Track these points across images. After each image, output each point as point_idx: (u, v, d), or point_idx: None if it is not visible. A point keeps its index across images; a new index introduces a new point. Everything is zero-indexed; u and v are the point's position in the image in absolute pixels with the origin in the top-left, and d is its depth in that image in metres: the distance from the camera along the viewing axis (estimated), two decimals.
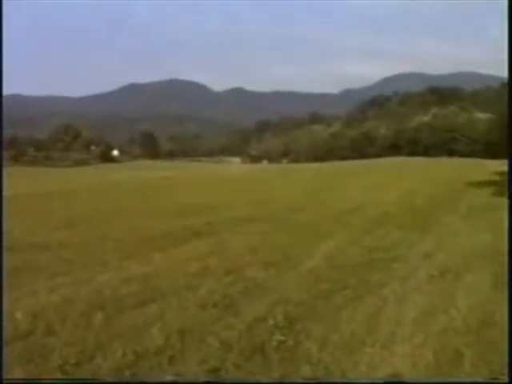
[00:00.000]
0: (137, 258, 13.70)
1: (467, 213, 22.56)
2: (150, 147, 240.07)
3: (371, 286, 10.53)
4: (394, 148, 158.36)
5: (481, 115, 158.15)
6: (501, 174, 50.30)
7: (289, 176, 67.29)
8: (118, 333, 7.98)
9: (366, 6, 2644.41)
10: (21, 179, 52.98)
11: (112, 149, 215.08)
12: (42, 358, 7.03)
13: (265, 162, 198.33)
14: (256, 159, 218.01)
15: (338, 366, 6.80)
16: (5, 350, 7.03)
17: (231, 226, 19.60)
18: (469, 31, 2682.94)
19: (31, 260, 13.25)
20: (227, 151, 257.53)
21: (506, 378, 6.05)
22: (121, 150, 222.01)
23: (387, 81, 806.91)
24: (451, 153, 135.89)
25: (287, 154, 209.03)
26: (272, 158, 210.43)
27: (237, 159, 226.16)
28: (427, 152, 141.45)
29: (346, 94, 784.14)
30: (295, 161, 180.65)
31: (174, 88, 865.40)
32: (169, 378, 6.53)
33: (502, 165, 55.48)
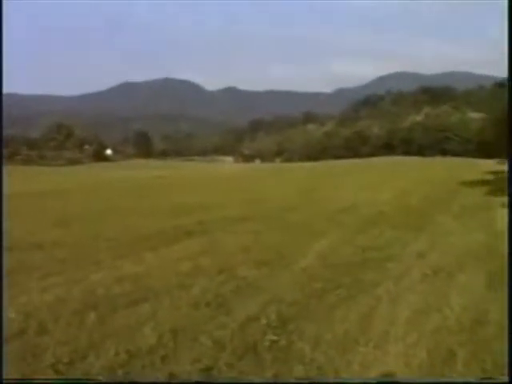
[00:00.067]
0: (130, 258, 13.68)
1: (460, 212, 22.61)
2: (143, 146, 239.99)
3: (364, 286, 10.53)
4: (387, 147, 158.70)
5: (473, 115, 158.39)
6: (493, 173, 50.61)
7: (282, 175, 67.41)
8: (110, 332, 7.96)
9: (361, 5, 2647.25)
10: (14, 178, 52.83)
11: (105, 148, 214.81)
12: (35, 357, 7.01)
13: (257, 162, 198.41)
14: (249, 158, 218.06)
15: (331, 365, 6.79)
16: None
17: (224, 225, 19.59)
18: (463, 31, 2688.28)
19: (25, 259, 13.22)
20: (220, 150, 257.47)
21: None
22: (114, 149, 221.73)
23: (380, 80, 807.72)
24: (444, 152, 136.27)
25: (280, 153, 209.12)
26: (265, 157, 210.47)
27: (230, 158, 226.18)
28: (420, 151, 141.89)
29: (340, 93, 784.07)
30: (288, 160, 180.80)
31: (167, 87, 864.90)
32: (161, 377, 6.51)
33: (495, 164, 55.72)
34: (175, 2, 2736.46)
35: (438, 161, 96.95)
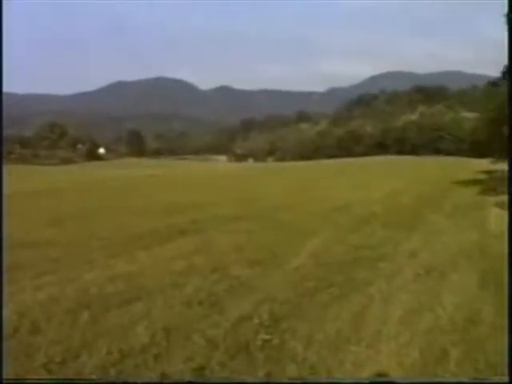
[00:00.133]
0: (123, 257, 13.68)
1: (453, 211, 22.67)
2: (136, 145, 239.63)
3: (357, 285, 10.54)
4: (380, 147, 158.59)
5: (467, 114, 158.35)
6: (486, 172, 50.72)
7: (274, 174, 67.36)
8: (103, 331, 7.97)
9: (355, 5, 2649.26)
10: (7, 177, 52.55)
11: (98, 147, 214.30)
12: (27, 357, 7.01)
13: (250, 161, 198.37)
14: (242, 158, 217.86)
15: (324, 364, 6.80)
16: None
17: (217, 224, 19.61)
18: (457, 31, 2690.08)
19: (17, 258, 13.19)
20: (213, 150, 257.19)
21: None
22: (107, 148, 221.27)
23: (374, 79, 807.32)
24: (438, 151, 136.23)
25: (273, 153, 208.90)
26: (258, 156, 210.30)
27: (223, 157, 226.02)
28: (414, 151, 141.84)
29: (333, 92, 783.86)
30: (281, 159, 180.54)
31: (160, 86, 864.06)
32: (154, 376, 6.51)
33: (488, 164, 55.76)
34: (168, 1, 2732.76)
35: (432, 160, 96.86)
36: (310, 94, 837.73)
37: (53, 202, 30.21)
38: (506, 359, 6.72)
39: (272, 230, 18.07)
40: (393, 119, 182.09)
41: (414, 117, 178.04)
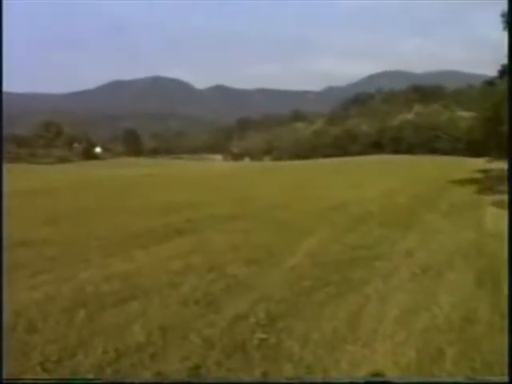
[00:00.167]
0: (119, 256, 13.68)
1: (449, 211, 22.68)
2: (132, 144, 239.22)
3: (353, 284, 10.55)
4: (376, 146, 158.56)
5: (463, 113, 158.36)
6: (482, 171, 50.79)
7: (271, 173, 67.34)
8: (100, 330, 7.97)
9: (352, 4, 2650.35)
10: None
11: (94, 146, 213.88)
12: (24, 355, 7.01)
13: (247, 160, 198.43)
14: (238, 157, 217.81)
15: (320, 364, 6.80)
16: None
17: (213, 223, 19.60)
18: (453, 30, 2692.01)
19: (15, 257, 13.17)
20: (210, 149, 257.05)
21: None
22: (103, 148, 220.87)
23: (370, 79, 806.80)
24: (434, 151, 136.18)
25: (269, 152, 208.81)
26: (254, 155, 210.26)
27: (219, 157, 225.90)
28: (410, 150, 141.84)
29: (329, 91, 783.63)
30: (277, 158, 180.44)
31: (157, 85, 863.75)
32: (150, 375, 6.51)
33: (484, 163, 55.80)
34: (166, 1, 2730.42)
35: (428, 159, 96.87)
36: (307, 92, 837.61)
37: (49, 201, 30.16)
38: (501, 358, 6.76)
39: (268, 230, 18.07)
40: (389, 118, 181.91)
41: (410, 116, 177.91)
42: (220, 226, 19.00)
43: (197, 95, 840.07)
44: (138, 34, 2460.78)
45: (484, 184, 37.19)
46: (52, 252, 14.17)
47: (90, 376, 6.49)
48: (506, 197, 25.77)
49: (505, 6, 35.36)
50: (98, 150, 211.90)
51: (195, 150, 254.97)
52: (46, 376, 6.50)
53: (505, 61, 39.58)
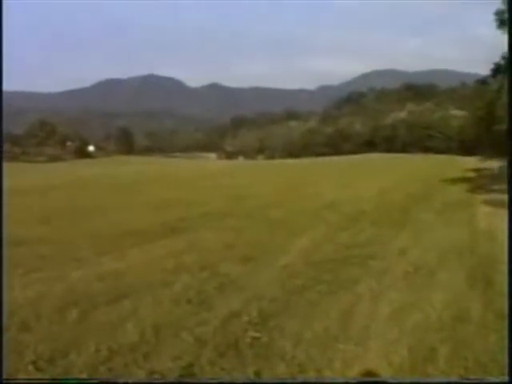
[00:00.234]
0: (112, 254, 13.67)
1: (442, 209, 22.67)
2: (125, 143, 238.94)
3: (346, 283, 10.54)
4: (369, 145, 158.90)
5: (456, 112, 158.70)
6: (475, 170, 50.92)
7: (264, 172, 67.35)
8: (92, 329, 7.96)
9: (345, 4, 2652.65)
10: None
11: (87, 144, 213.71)
12: (16, 354, 7.00)
13: (240, 158, 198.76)
14: (232, 155, 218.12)
15: (312, 362, 6.80)
16: None
17: (206, 221, 19.59)
18: (446, 29, 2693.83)
19: (8, 256, 13.16)
20: (203, 147, 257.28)
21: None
22: (96, 146, 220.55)
23: (364, 77, 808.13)
24: (427, 149, 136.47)
25: (263, 151, 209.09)
26: (248, 154, 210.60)
27: (213, 155, 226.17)
28: (403, 148, 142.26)
29: (323, 90, 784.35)
30: (270, 157, 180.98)
31: (151, 84, 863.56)
32: (143, 375, 6.50)
33: (476, 162, 56.00)
34: (160, 0, 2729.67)
35: (420, 158, 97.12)
36: (301, 91, 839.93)
37: (41, 199, 30.14)
38: (494, 357, 6.78)
39: (261, 228, 18.07)
40: (382, 117, 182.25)
41: (402, 114, 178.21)
42: (213, 224, 19.00)
43: (191, 94, 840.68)
44: (133, 33, 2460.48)
45: (476, 183, 37.27)
46: (45, 251, 14.15)
47: (83, 375, 6.48)
48: (498, 195, 25.90)
49: (498, 5, 35.51)
50: (90, 148, 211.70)
51: (189, 149, 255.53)
52: (38, 375, 6.50)
53: (497, 59, 39.75)
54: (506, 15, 34.74)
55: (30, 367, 6.64)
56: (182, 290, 9.92)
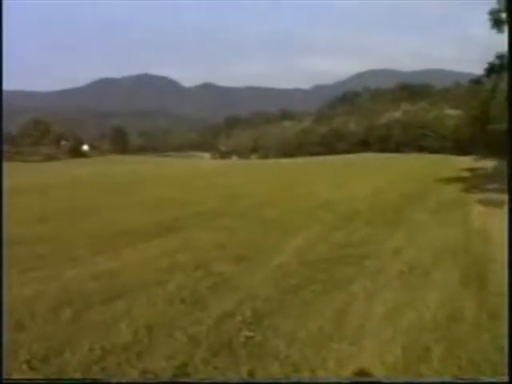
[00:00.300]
0: (107, 254, 13.67)
1: (437, 209, 22.67)
2: (119, 142, 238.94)
3: (340, 282, 10.53)
4: (363, 144, 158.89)
5: (450, 112, 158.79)
6: (469, 170, 50.97)
7: (258, 172, 67.32)
8: (86, 328, 7.96)
9: (341, 3, 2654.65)
10: None
11: (82, 144, 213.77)
12: (11, 353, 6.99)
13: (234, 158, 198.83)
14: (226, 155, 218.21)
15: (306, 362, 6.80)
16: None
17: (200, 221, 19.58)
18: (441, 29, 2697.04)
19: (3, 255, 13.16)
20: (197, 147, 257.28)
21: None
22: (91, 145, 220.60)
23: (359, 77, 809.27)
24: (421, 149, 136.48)
25: (257, 150, 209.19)
26: (242, 153, 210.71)
27: (207, 155, 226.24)
28: (398, 148, 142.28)
29: (317, 89, 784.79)
30: (264, 157, 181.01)
31: (145, 83, 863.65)
32: (136, 374, 6.50)
33: (471, 161, 56.10)
34: (153, 1, 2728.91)
35: (415, 157, 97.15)
36: (295, 91, 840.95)
37: (35, 199, 30.14)
38: (487, 356, 6.79)
39: (256, 228, 18.06)
40: (376, 117, 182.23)
41: (397, 114, 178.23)
42: (207, 223, 18.99)
43: (185, 93, 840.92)
44: (127, 33, 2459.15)
45: (471, 182, 37.28)
46: (40, 250, 14.17)
47: (77, 374, 6.48)
48: (492, 195, 25.95)
49: (492, 5, 35.55)
50: (85, 147, 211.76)
51: (183, 148, 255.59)
52: (32, 374, 6.49)
53: (491, 59, 39.80)
54: (501, 15, 34.84)
55: (24, 366, 6.63)
56: (175, 290, 9.92)
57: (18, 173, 66.91)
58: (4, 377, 6.02)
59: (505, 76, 39.89)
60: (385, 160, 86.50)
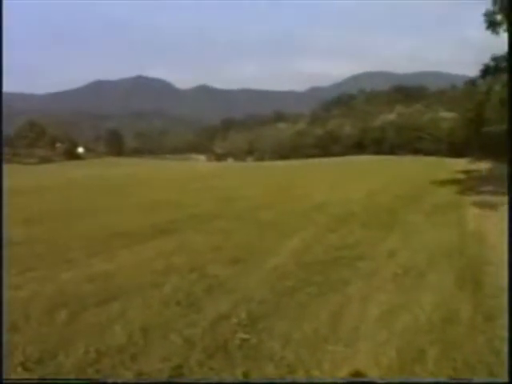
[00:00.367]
0: (102, 255, 13.67)
1: (432, 211, 22.68)
2: (114, 144, 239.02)
3: (336, 284, 10.54)
4: (358, 146, 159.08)
5: (445, 114, 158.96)
6: (464, 172, 51.03)
7: (254, 174, 67.31)
8: (81, 330, 7.96)
9: (336, 5, 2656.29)
10: None
11: (77, 146, 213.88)
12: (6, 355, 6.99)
13: (230, 160, 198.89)
14: (221, 157, 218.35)
15: (302, 363, 6.81)
16: None
17: (196, 223, 19.58)
18: (437, 31, 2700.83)
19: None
20: (193, 149, 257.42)
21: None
22: (86, 148, 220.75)
23: (354, 79, 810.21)
24: (416, 151, 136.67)
25: (252, 152, 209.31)
26: (237, 155, 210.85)
27: (202, 157, 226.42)
28: (392, 150, 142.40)
29: (313, 92, 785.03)
30: (260, 159, 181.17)
31: (140, 85, 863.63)
32: (131, 376, 6.51)
33: (466, 163, 56.17)
34: (149, 1, 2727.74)
35: (410, 160, 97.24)
36: (291, 93, 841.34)
37: (31, 200, 30.09)
38: (482, 358, 6.81)
39: (251, 230, 18.05)
40: (371, 119, 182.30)
41: (392, 116, 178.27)
42: (203, 226, 18.98)
43: (181, 95, 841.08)
44: (123, 34, 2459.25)
45: (466, 184, 37.29)
46: (36, 251, 14.19)
47: (71, 377, 6.49)
48: (487, 197, 25.98)
49: (487, 6, 35.59)
50: (80, 149, 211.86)
51: (179, 150, 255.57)
52: (26, 376, 6.50)
53: (486, 60, 39.87)
54: (496, 16, 34.90)
55: (19, 369, 6.64)
56: (171, 292, 9.92)
57: (14, 175, 66.94)
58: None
59: (499, 78, 40.03)
60: (380, 162, 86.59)
